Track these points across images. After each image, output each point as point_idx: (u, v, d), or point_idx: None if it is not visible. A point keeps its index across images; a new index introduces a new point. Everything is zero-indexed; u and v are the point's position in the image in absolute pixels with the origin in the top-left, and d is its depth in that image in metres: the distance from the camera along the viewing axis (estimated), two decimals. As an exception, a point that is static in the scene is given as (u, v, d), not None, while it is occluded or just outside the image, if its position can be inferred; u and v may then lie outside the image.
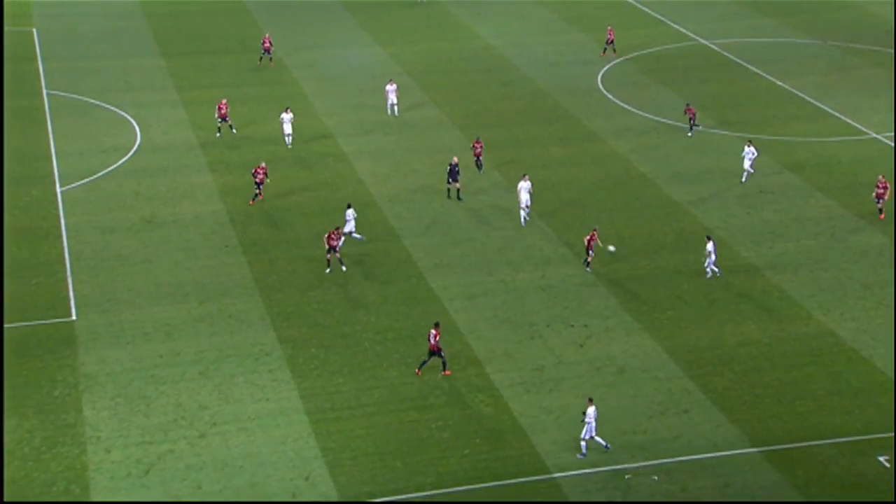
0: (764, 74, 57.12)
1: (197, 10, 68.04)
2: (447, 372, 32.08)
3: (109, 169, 44.36)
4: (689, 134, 48.95)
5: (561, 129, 50.44)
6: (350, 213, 39.21)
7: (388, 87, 51.79)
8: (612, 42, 59.40)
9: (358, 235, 39.15)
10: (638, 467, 28.14)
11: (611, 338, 33.91)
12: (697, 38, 63.03)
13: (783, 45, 62.23)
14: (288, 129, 46.92)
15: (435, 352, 31.89)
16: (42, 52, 57.58)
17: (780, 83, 55.79)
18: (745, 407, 30.58)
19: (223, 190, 43.50)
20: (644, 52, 60.44)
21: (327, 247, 37.23)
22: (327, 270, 37.29)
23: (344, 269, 37.43)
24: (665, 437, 29.27)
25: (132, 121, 49.62)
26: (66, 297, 35.13)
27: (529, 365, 32.67)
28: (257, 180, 41.38)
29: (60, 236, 38.86)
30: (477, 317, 35.24)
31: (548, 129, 50.51)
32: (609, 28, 59.91)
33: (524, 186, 40.77)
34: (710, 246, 37.14)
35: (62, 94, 52.00)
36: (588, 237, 37.63)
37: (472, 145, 45.43)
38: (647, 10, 68.48)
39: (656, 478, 27.77)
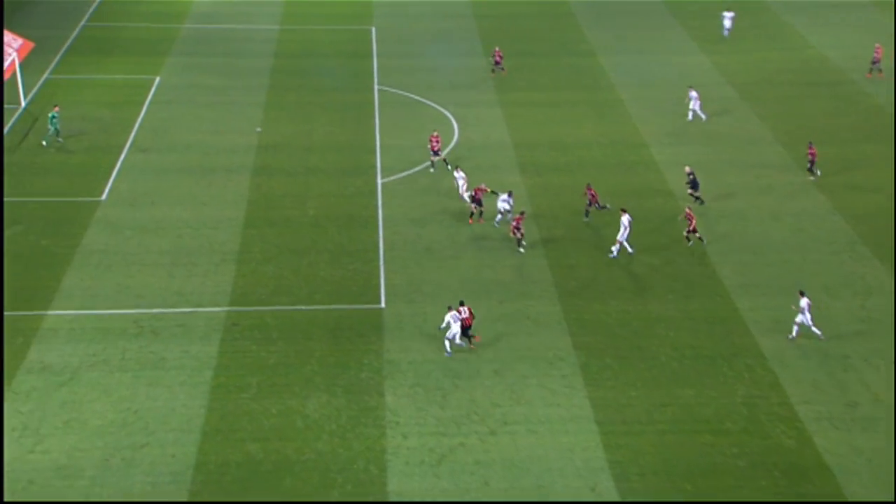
0: None
1: (523, 11, 69.25)
2: (477, 338, 33.08)
3: (426, 164, 46.11)
4: None
5: (897, 149, 46.52)
6: (504, 198, 39.72)
7: (691, 94, 50.14)
8: (877, 62, 53.85)
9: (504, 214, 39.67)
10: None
11: (937, 382, 30.73)
12: None
13: None
14: (463, 186, 42.20)
15: (467, 326, 32.60)
16: (378, 50, 60.93)
17: None
18: None
19: (531, 191, 43.91)
20: None
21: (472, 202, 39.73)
22: (470, 221, 39.54)
23: (521, 250, 37.98)
24: None
25: (452, 118, 51.35)
26: (377, 286, 36.85)
27: (840, 400, 30.35)
28: (476, 198, 40.68)
29: (377, 226, 40.86)
30: (784, 343, 33.21)
31: (886, 149, 46.66)
32: (877, 46, 54.43)
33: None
34: (802, 302, 33.11)
35: (391, 89, 54.75)
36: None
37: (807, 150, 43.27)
38: None
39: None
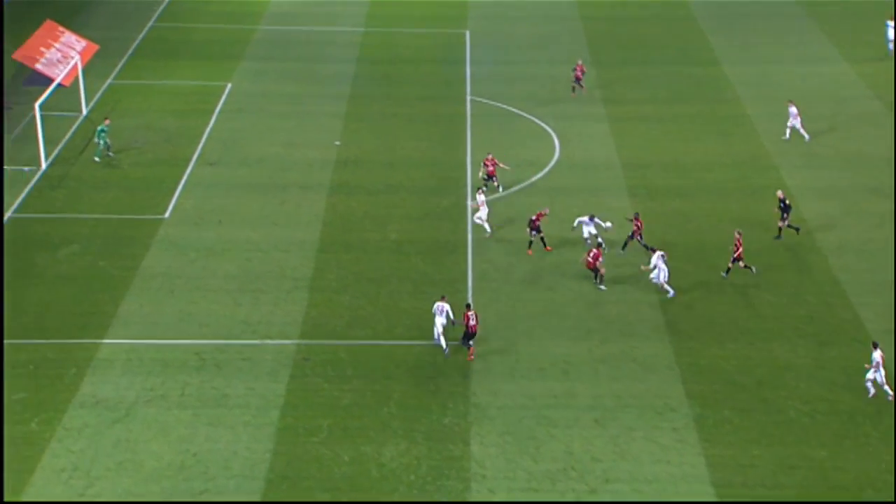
0: None
1: (636, 14, 69.05)
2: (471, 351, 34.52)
3: (523, 184, 46.15)
4: None
5: None
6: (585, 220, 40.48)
7: (791, 110, 49.40)
8: None
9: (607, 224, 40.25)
10: None
11: None
12: None
13: None
14: (483, 213, 42.21)
15: (472, 333, 34.12)
16: (471, 56, 61.37)
17: None
18: None
19: (642, 217, 43.51)
20: None
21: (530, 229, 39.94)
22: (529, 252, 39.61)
23: (602, 287, 37.96)
24: None
25: (552, 134, 51.33)
26: (465, 319, 36.93)
27: None
28: (533, 226, 40.44)
29: (466, 253, 40.98)
30: (938, 401, 32.26)
31: None
32: None
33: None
34: (876, 355, 32.15)
35: (485, 100, 55.03)
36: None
37: None
38: None
39: None
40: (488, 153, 45.48)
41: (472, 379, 33.88)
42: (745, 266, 38.79)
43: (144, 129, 50.79)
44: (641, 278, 39.05)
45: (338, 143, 49.90)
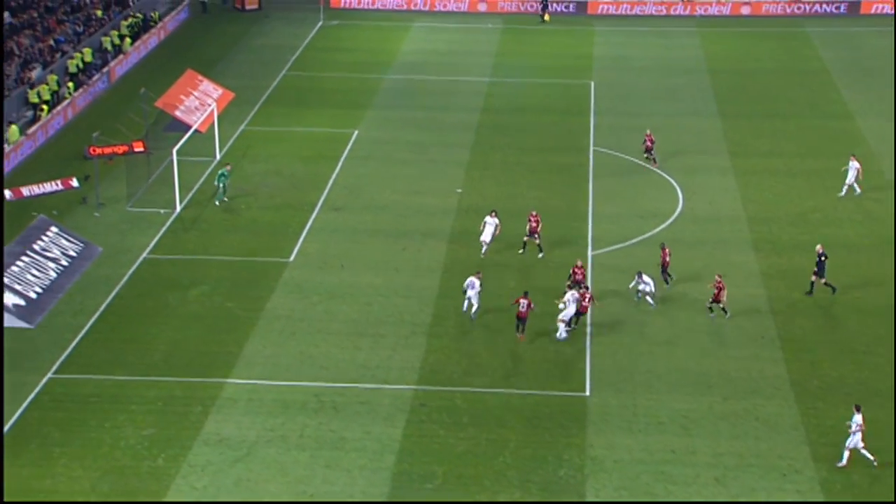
0: None
1: (766, 67, 68.20)
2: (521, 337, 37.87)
3: (644, 236, 45.79)
4: None
5: None
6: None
7: (852, 164, 48.32)
8: None
9: None
10: None
11: None
12: None
13: None
14: (488, 236, 43.48)
15: (522, 319, 37.67)
16: (595, 107, 61.40)
17: None
18: None
19: (766, 272, 42.76)
20: None
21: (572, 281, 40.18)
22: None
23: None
24: None
25: (676, 185, 50.87)
26: (583, 370, 36.69)
27: None
28: (576, 279, 40.11)
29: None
30: None
31: None
32: None
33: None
34: (856, 420, 30.94)
35: (609, 151, 54.91)
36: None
37: None
38: None
39: None
40: (532, 210, 45.10)
41: (588, 430, 33.58)
42: (723, 309, 39.13)
43: (273, 175, 52.13)
44: (765, 336, 38.31)
45: (460, 190, 50.36)
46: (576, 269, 40.61)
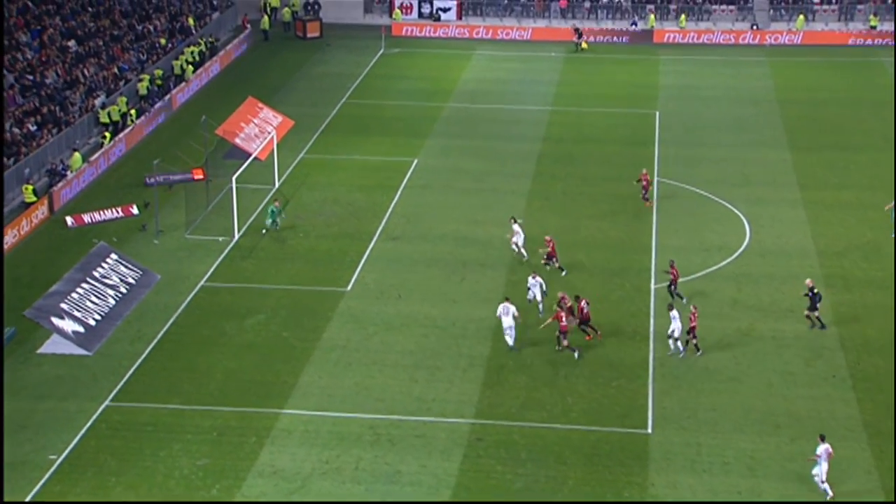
0: None
1: (838, 97, 67.37)
2: (589, 337, 39.36)
3: (709, 269, 45.21)
4: None
5: None
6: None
7: None
8: None
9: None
10: None
11: None
12: None
13: None
14: (519, 239, 45.77)
15: (586, 321, 39.08)
16: (660, 137, 60.96)
17: None
18: None
19: (838, 310, 41.94)
20: None
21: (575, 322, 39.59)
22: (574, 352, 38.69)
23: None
24: None
25: (743, 218, 50.22)
26: (645, 407, 36.18)
27: None
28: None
29: (648, 338, 40.27)
30: None
31: None
32: None
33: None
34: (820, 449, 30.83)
35: (673, 182, 54.40)
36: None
37: None
38: None
39: None
40: (547, 235, 45.25)
41: (650, 469, 33.07)
42: (695, 345, 38.89)
43: (331, 203, 52.37)
44: (837, 374, 37.55)
45: (521, 221, 50.15)
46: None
